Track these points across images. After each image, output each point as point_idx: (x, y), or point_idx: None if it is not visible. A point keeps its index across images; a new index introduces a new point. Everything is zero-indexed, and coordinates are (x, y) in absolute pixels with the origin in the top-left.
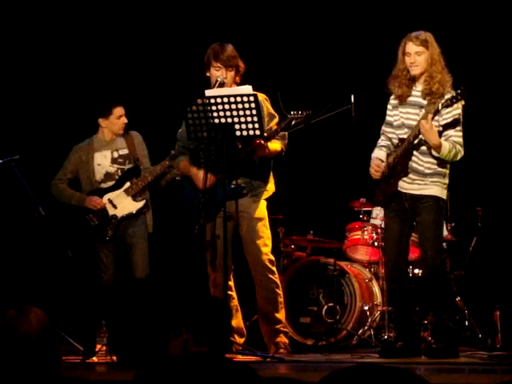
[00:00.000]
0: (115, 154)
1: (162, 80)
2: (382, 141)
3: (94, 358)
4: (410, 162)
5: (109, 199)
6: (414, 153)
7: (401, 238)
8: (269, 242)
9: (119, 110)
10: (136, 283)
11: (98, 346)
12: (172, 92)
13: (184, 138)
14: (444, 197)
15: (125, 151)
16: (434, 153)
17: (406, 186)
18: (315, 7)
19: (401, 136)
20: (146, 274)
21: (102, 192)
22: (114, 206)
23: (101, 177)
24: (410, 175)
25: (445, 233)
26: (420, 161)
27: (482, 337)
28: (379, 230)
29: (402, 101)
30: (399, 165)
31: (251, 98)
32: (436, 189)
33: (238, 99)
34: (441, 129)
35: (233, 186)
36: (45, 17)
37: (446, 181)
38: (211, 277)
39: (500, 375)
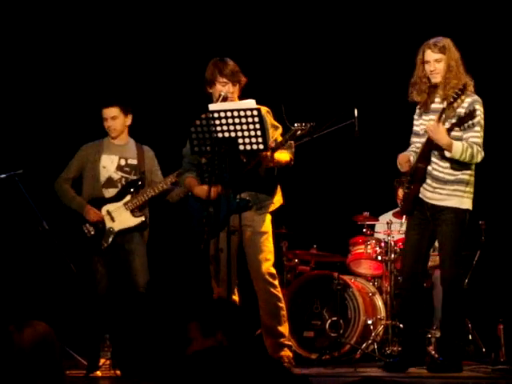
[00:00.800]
0: (122, 162)
1: (167, 96)
2: (410, 148)
3: (98, 373)
4: (430, 168)
5: (108, 211)
6: (433, 159)
7: (419, 248)
8: (271, 256)
9: (105, 112)
10: (138, 297)
11: (102, 360)
12: (177, 108)
13: (189, 154)
14: (466, 207)
15: (134, 161)
16: (447, 154)
17: (428, 194)
18: (320, 20)
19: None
20: (147, 280)
21: (102, 202)
22: (112, 219)
23: (103, 180)
24: (430, 182)
25: None
26: (439, 167)
27: (485, 351)
28: (383, 244)
29: (426, 108)
30: (418, 170)
31: (255, 112)
32: (456, 199)
33: (242, 113)
34: (460, 131)
35: (237, 201)
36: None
37: (469, 189)
38: (215, 291)
39: None
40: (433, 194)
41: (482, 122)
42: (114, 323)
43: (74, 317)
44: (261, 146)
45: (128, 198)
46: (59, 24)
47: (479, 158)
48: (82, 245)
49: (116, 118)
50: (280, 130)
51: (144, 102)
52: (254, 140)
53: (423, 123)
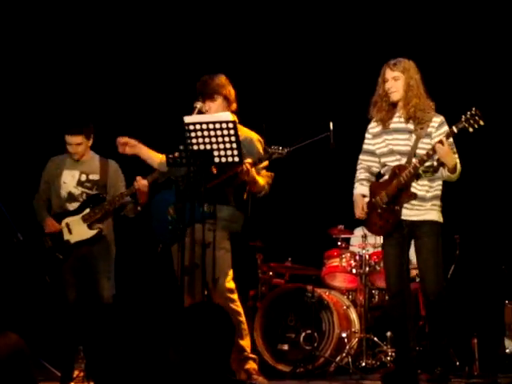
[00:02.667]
0: (83, 177)
1: (141, 107)
2: (360, 174)
3: None
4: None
5: (66, 223)
6: (418, 180)
7: (401, 265)
8: (228, 271)
9: (68, 138)
10: (104, 310)
11: (76, 372)
12: (154, 119)
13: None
14: (441, 220)
15: (95, 176)
16: (446, 173)
17: (406, 212)
18: (294, 35)
19: (391, 163)
20: (112, 294)
21: (63, 215)
22: (70, 231)
23: (65, 195)
24: (412, 201)
25: None
26: (417, 185)
27: (459, 364)
28: (357, 258)
29: (385, 127)
30: (403, 192)
31: (230, 125)
32: (434, 213)
33: (218, 126)
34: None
35: (203, 211)
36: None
37: (441, 203)
38: (187, 303)
39: None
40: (411, 211)
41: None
42: (87, 335)
43: (49, 328)
44: (236, 159)
45: (87, 211)
46: (18, 38)
47: (457, 175)
48: (42, 256)
49: (80, 145)
50: (265, 164)
51: (117, 114)
52: (229, 152)
53: (387, 142)
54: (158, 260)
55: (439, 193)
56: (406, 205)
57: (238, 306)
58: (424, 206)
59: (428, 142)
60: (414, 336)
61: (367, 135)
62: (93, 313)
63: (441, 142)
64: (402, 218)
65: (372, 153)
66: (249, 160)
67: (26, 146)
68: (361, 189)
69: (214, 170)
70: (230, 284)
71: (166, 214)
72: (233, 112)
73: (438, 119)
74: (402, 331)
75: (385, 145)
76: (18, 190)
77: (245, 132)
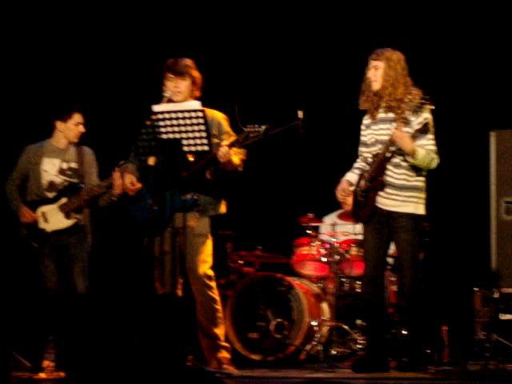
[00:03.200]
0: (64, 165)
1: (114, 94)
2: (356, 163)
3: (42, 374)
4: (386, 176)
5: (42, 212)
6: (389, 166)
7: (378, 251)
8: (209, 259)
9: (79, 117)
10: (78, 300)
11: (46, 362)
12: (123, 108)
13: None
14: (421, 212)
15: (75, 165)
16: (409, 159)
17: (383, 201)
18: (267, 21)
19: (374, 152)
20: (86, 285)
21: (38, 203)
22: (46, 220)
23: (45, 183)
24: (387, 189)
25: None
26: (394, 174)
27: (429, 351)
28: (327, 246)
29: (373, 118)
30: (375, 179)
31: (199, 114)
32: (412, 206)
33: (186, 114)
34: (413, 139)
35: (183, 199)
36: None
37: (423, 195)
38: (159, 292)
39: None
40: (388, 201)
41: (432, 129)
42: (58, 324)
43: (18, 318)
44: (205, 148)
45: (64, 200)
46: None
47: (434, 164)
48: (17, 244)
49: (80, 124)
50: (233, 139)
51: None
52: (198, 141)
53: (373, 133)
54: (137, 251)
55: (420, 184)
56: (382, 193)
57: (215, 294)
58: (400, 196)
59: (408, 131)
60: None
61: (362, 127)
62: (66, 303)
63: (397, 128)
64: (380, 206)
65: (366, 144)
66: (226, 142)
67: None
68: (348, 175)
69: (191, 158)
70: (209, 271)
71: (145, 207)
72: (196, 98)
73: (419, 110)
74: (374, 317)
75: (372, 136)
76: None
77: (209, 112)
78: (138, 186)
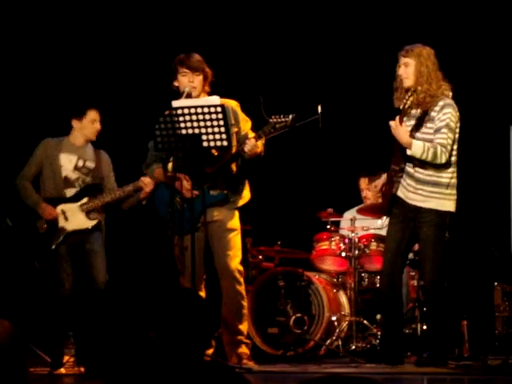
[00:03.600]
0: (80, 163)
1: (129, 94)
2: None
3: (62, 370)
4: (412, 170)
5: (62, 210)
6: (415, 161)
7: (399, 246)
8: (239, 254)
9: (94, 114)
10: (99, 295)
11: (66, 357)
12: (138, 106)
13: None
14: (447, 209)
15: (92, 164)
16: (408, 152)
17: (410, 195)
18: (289, 16)
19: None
20: (107, 279)
21: (58, 201)
22: (66, 218)
23: (61, 179)
24: (413, 183)
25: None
26: (420, 168)
27: (449, 346)
28: (347, 241)
29: (406, 114)
30: (393, 170)
31: (218, 109)
32: (436, 202)
33: (206, 110)
34: (431, 135)
35: (213, 194)
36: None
37: (450, 191)
38: (184, 286)
39: None
40: (415, 195)
41: (452, 124)
42: (76, 320)
43: (38, 314)
44: (224, 143)
45: (85, 200)
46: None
47: (443, 158)
48: (34, 241)
49: (97, 121)
50: (250, 124)
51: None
52: (217, 136)
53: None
54: (163, 247)
55: (444, 180)
56: (409, 187)
57: (243, 290)
58: (425, 191)
59: (431, 127)
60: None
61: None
62: (85, 298)
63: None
64: (408, 201)
65: None
66: (252, 134)
67: (12, 131)
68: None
69: (215, 153)
70: (240, 266)
71: (171, 206)
72: (208, 93)
73: (441, 102)
74: (390, 311)
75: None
76: (6, 176)
77: (223, 102)
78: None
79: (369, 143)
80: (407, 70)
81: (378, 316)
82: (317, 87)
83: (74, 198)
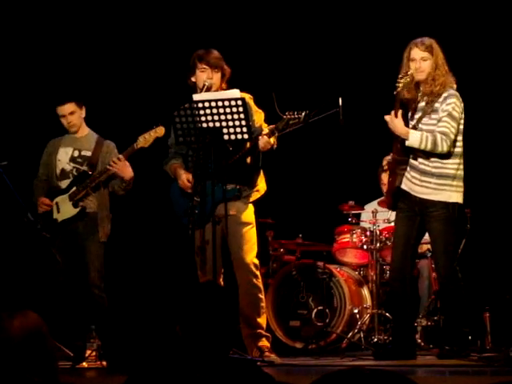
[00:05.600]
0: (75, 153)
1: (145, 88)
2: None
3: (84, 364)
4: (416, 163)
5: (56, 202)
6: (419, 153)
7: (408, 240)
8: (255, 247)
9: (59, 110)
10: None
11: (88, 351)
12: (157, 102)
13: (175, 144)
14: (455, 201)
15: (87, 153)
16: (406, 143)
17: (416, 188)
18: (306, 9)
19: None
20: (100, 276)
21: (55, 194)
22: (58, 210)
23: (58, 172)
24: (418, 175)
25: None
26: (425, 160)
27: (471, 338)
28: (368, 233)
29: (415, 107)
30: (396, 162)
31: (239, 102)
32: (444, 194)
33: (226, 103)
34: (434, 126)
35: (226, 189)
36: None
37: (457, 183)
38: (201, 280)
39: (490, 377)
40: (421, 188)
41: (455, 113)
42: (99, 314)
43: (60, 308)
44: (245, 136)
45: (74, 189)
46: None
47: (444, 147)
48: (30, 234)
49: (74, 113)
50: (263, 115)
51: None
52: (238, 130)
53: (411, 123)
54: (184, 243)
55: (452, 171)
56: (414, 180)
57: (259, 283)
58: (432, 183)
59: (435, 118)
60: (414, 315)
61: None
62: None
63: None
64: (413, 194)
65: None
66: (266, 130)
67: (35, 125)
68: None
69: (230, 147)
70: (256, 260)
71: (186, 199)
72: (223, 89)
73: (445, 94)
74: (402, 306)
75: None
76: (28, 170)
77: None
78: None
79: (390, 136)
80: (424, 63)
81: None
82: (338, 79)
83: (67, 189)
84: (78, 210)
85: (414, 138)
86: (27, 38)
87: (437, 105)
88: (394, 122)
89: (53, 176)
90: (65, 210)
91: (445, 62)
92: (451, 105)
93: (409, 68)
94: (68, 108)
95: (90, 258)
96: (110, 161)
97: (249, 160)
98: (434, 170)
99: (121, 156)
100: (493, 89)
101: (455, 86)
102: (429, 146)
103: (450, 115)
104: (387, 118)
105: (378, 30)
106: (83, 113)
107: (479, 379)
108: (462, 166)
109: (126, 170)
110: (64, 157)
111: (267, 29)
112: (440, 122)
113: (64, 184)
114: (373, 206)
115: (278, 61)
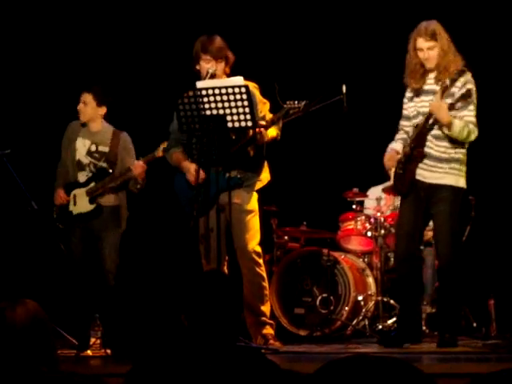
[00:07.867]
0: (93, 148)
1: (149, 76)
2: (398, 135)
3: (89, 352)
4: (425, 148)
5: (74, 195)
6: (428, 138)
7: (414, 229)
8: (258, 235)
9: (81, 95)
10: (105, 283)
11: (92, 340)
12: (161, 88)
13: (176, 130)
14: (461, 185)
15: (105, 149)
16: (445, 131)
17: (424, 173)
18: None
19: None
20: (115, 266)
21: (74, 186)
22: (75, 203)
23: (76, 162)
24: (427, 161)
25: None
26: (435, 146)
27: (476, 325)
28: (372, 220)
29: (417, 91)
30: (414, 150)
31: (243, 90)
32: (453, 178)
33: (230, 90)
34: (454, 111)
35: (228, 177)
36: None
37: (463, 168)
38: (205, 269)
39: (495, 363)
40: (430, 173)
41: (475, 101)
42: (103, 302)
43: (64, 296)
44: (249, 123)
45: (92, 184)
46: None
47: (473, 136)
48: (45, 223)
49: (87, 105)
50: (268, 105)
51: (125, 87)
52: (242, 117)
53: (415, 105)
54: (187, 232)
55: (461, 156)
56: (423, 166)
57: (262, 271)
58: (441, 168)
59: (449, 102)
60: (420, 300)
61: (404, 100)
62: (108, 282)
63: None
64: (421, 179)
65: (408, 117)
66: (262, 122)
67: (39, 113)
68: (393, 145)
69: (233, 136)
70: (258, 248)
71: (189, 187)
72: (227, 75)
73: (462, 78)
74: (407, 294)
75: (414, 108)
76: (32, 159)
77: None
78: (203, 175)
79: (393, 121)
80: (432, 52)
81: None
82: (341, 66)
83: (86, 183)
84: (93, 206)
85: (455, 128)
86: (33, 31)
87: (454, 89)
88: (442, 110)
89: (72, 164)
90: (81, 204)
91: (451, 42)
92: (473, 95)
93: (417, 58)
94: (84, 97)
95: (107, 247)
96: (126, 162)
97: (251, 149)
98: (443, 155)
99: (141, 162)
100: (496, 76)
101: (463, 62)
102: (464, 136)
103: (473, 103)
104: (436, 104)
105: (381, 17)
106: (101, 110)
107: (484, 366)
108: (466, 152)
109: (143, 174)
110: (82, 148)
111: (271, 18)
112: (466, 111)
113: (82, 176)
114: (376, 191)
115: (281, 49)
